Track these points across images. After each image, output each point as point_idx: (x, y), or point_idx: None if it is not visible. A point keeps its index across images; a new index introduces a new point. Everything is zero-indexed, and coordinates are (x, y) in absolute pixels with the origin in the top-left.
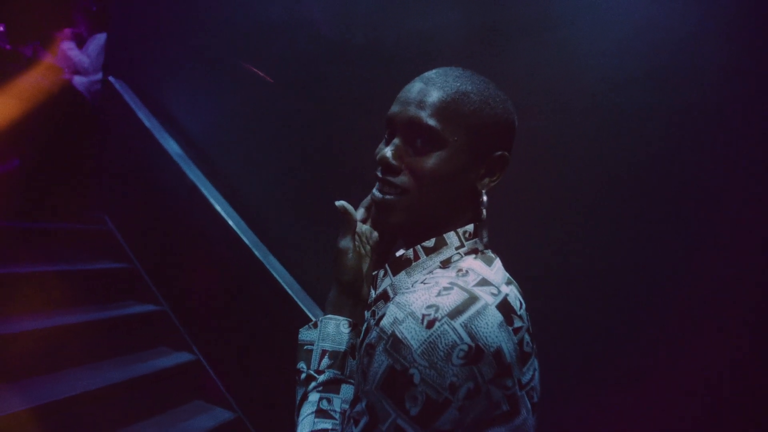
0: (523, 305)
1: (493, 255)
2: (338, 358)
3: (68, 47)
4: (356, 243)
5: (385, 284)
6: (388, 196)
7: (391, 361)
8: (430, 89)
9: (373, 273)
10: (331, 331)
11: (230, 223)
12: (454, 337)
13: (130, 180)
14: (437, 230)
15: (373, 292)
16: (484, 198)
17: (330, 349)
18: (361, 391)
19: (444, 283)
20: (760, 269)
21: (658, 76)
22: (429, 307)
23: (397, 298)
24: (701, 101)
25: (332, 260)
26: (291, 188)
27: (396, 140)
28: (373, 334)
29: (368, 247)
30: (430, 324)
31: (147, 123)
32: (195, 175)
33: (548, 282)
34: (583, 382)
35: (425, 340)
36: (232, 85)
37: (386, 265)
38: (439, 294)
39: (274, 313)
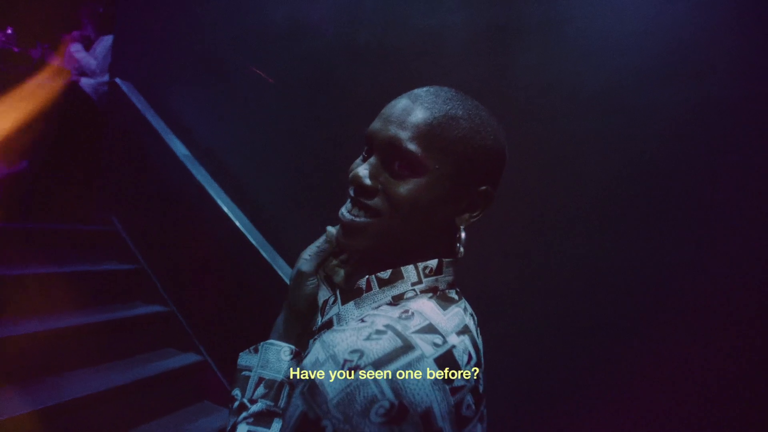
0: (474, 359)
1: (455, 296)
2: (274, 388)
3: (75, 49)
4: (320, 272)
5: (332, 312)
6: (357, 219)
7: (305, 408)
8: (415, 108)
9: (323, 299)
10: (271, 357)
11: (237, 224)
12: (375, 390)
13: (137, 181)
14: (398, 262)
15: (320, 318)
16: (462, 234)
17: (267, 377)
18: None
19: (379, 324)
20: (763, 270)
21: (665, 74)
22: (353, 352)
23: (325, 336)
24: (708, 100)
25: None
26: (298, 189)
27: (373, 159)
28: (296, 373)
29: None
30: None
31: (154, 124)
32: (202, 176)
33: (547, 283)
34: (583, 386)
35: (342, 390)
36: (238, 86)
37: (336, 292)
38: (368, 338)
39: (279, 312)
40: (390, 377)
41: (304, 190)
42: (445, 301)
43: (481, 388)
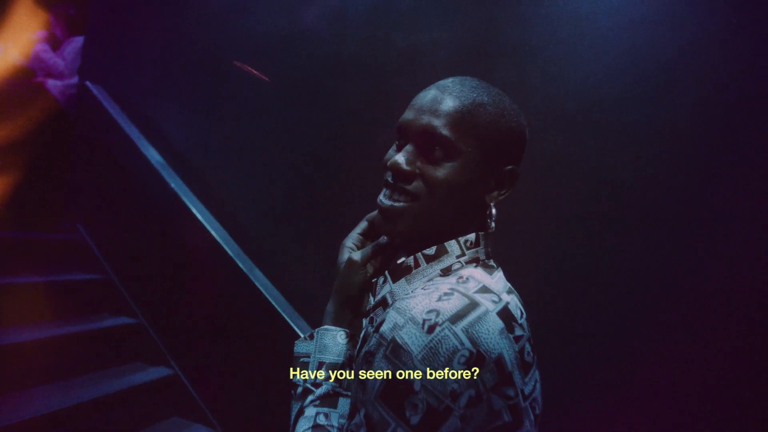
0: (524, 315)
1: (494, 265)
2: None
3: (42, 49)
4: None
5: (384, 291)
6: (397, 203)
7: (391, 368)
8: (445, 98)
9: (372, 280)
10: (328, 342)
11: (213, 233)
12: (455, 342)
13: (106, 188)
14: (439, 239)
15: (372, 299)
16: (494, 210)
17: (327, 361)
18: (358, 402)
19: (444, 289)
20: (760, 277)
21: (643, 96)
22: (429, 311)
23: (397, 304)
24: (691, 116)
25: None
26: (277, 199)
27: (408, 147)
28: (373, 340)
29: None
30: (431, 329)
31: (126, 129)
32: (176, 184)
33: (547, 291)
34: (582, 388)
35: (426, 346)
36: (216, 92)
37: (386, 272)
38: (439, 299)
39: (256, 325)
40: (466, 329)
41: (283, 201)
42: (488, 269)
43: (532, 340)
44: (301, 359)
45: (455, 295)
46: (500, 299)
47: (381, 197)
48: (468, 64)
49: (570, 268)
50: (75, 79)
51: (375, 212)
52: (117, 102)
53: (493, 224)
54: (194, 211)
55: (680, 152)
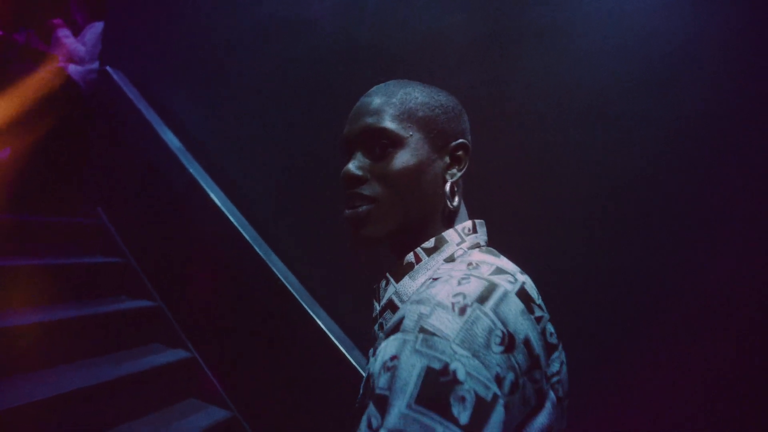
0: (539, 296)
1: (495, 251)
2: None
3: (63, 34)
4: None
5: (389, 293)
6: (359, 209)
7: (426, 361)
8: (374, 99)
9: (374, 286)
10: None
11: (231, 218)
12: (489, 321)
13: (125, 172)
14: (428, 230)
15: (376, 305)
16: (447, 188)
17: None
18: (382, 427)
19: (459, 275)
20: (761, 273)
21: (663, 81)
22: (456, 295)
23: (414, 297)
24: (704, 106)
25: None
26: (294, 186)
27: (356, 154)
28: (392, 343)
29: None
30: (462, 311)
31: (146, 115)
32: (194, 169)
33: (547, 284)
34: (582, 388)
35: (462, 328)
36: (235, 80)
37: (387, 274)
38: (459, 283)
39: (272, 309)
40: (494, 309)
41: (300, 187)
42: (492, 253)
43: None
44: None
45: (473, 279)
46: (516, 279)
47: (345, 210)
48: (486, 48)
49: (578, 263)
50: (95, 64)
51: None
52: (136, 87)
53: (454, 203)
54: (212, 195)
55: (704, 138)
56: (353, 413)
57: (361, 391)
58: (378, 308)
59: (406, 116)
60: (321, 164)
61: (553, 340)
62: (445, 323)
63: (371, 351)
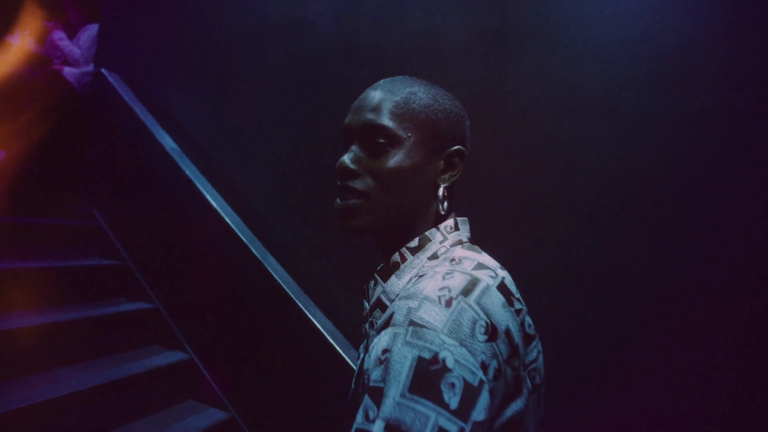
0: (518, 291)
1: (477, 247)
2: None
3: (59, 37)
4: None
5: (377, 293)
6: (349, 201)
7: (416, 351)
8: (379, 94)
9: (363, 287)
10: None
11: (227, 219)
12: (473, 312)
13: (122, 174)
14: (415, 230)
15: (366, 304)
16: (442, 193)
17: None
18: (378, 418)
19: (443, 270)
20: (763, 271)
21: (663, 78)
22: (441, 289)
23: (402, 294)
24: (706, 104)
25: None
26: (290, 186)
27: (353, 147)
28: (383, 338)
29: None
30: (448, 303)
31: (141, 116)
32: (191, 171)
33: (552, 281)
34: (582, 388)
35: (448, 319)
36: (231, 81)
37: (375, 274)
38: (444, 278)
39: (269, 311)
40: (477, 302)
41: (297, 188)
42: (474, 249)
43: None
44: None
45: (456, 274)
46: (496, 275)
47: (336, 200)
48: (486, 47)
49: (578, 260)
50: (91, 67)
51: None
52: (132, 89)
53: (442, 207)
54: (208, 197)
55: (706, 136)
56: (346, 407)
57: (352, 386)
58: (368, 307)
59: (408, 117)
60: (317, 165)
61: (531, 331)
62: (433, 315)
63: (361, 347)
